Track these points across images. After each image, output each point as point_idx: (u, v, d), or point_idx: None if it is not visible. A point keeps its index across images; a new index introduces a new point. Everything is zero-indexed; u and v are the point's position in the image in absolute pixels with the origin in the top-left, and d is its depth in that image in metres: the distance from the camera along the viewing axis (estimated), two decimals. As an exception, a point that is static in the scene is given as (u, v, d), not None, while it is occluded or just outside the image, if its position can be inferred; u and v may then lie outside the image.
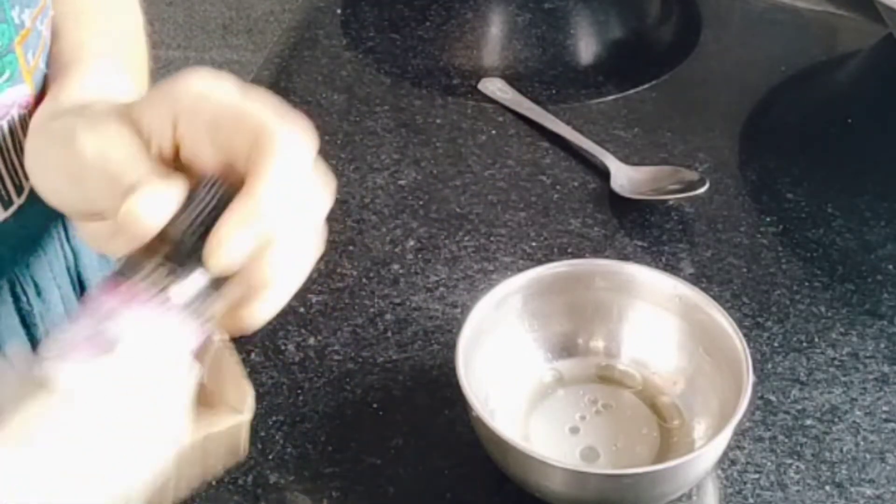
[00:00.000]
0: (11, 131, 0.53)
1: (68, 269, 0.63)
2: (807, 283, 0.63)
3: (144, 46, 0.61)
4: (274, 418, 0.55)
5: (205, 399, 0.40)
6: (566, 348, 0.56)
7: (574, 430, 0.53)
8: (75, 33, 0.56)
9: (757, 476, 0.52)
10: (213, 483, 0.52)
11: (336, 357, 0.58)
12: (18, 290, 0.57)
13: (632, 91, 0.79)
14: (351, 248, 0.65)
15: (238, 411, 0.41)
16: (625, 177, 0.69)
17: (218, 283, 0.39)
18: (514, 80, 0.79)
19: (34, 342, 0.59)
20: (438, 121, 0.76)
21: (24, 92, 0.53)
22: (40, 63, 0.54)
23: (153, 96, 0.40)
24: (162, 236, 0.39)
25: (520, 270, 0.55)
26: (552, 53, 0.84)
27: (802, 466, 0.52)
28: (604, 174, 0.70)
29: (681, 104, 0.78)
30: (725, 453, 0.52)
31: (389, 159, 0.72)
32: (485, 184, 0.70)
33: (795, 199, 0.69)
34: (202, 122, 0.39)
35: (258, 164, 0.38)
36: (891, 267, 0.64)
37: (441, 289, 0.62)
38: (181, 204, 0.39)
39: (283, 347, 0.59)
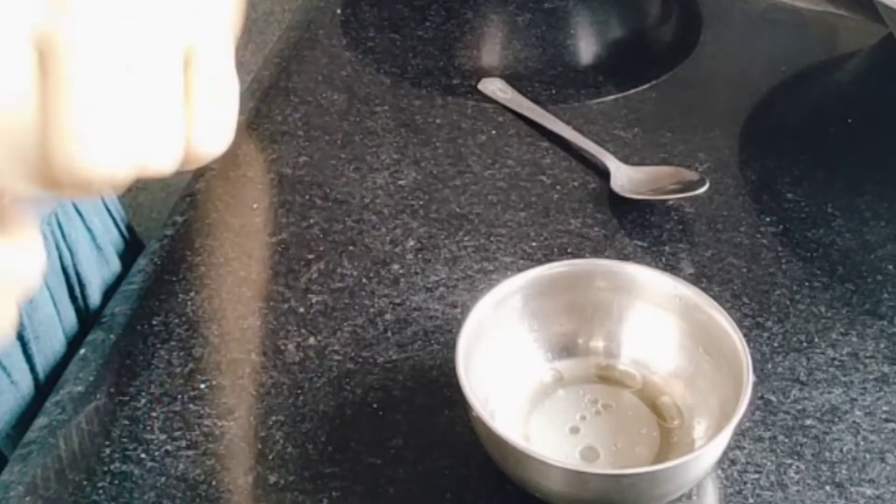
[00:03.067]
0: None
1: (64, 269, 0.63)
2: (807, 283, 0.63)
3: None
4: (274, 418, 0.55)
5: None
6: (566, 348, 0.56)
7: (574, 430, 0.53)
8: None
9: (757, 476, 0.52)
10: (213, 483, 0.52)
11: (336, 357, 0.58)
12: None
13: (632, 91, 0.79)
14: (351, 248, 0.65)
15: None
16: (625, 177, 0.69)
17: None
18: (514, 80, 0.79)
19: (23, 342, 0.59)
20: (438, 121, 0.76)
21: None
22: None
23: None
24: None
25: (520, 270, 0.55)
26: (552, 53, 0.84)
27: (802, 466, 0.52)
28: (604, 174, 0.70)
29: (681, 104, 0.78)
30: (725, 453, 0.52)
31: (389, 159, 0.72)
32: (485, 184, 0.70)
33: (795, 199, 0.69)
34: None
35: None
36: (891, 267, 0.64)
37: (441, 289, 0.62)
38: None
39: (283, 347, 0.59)
